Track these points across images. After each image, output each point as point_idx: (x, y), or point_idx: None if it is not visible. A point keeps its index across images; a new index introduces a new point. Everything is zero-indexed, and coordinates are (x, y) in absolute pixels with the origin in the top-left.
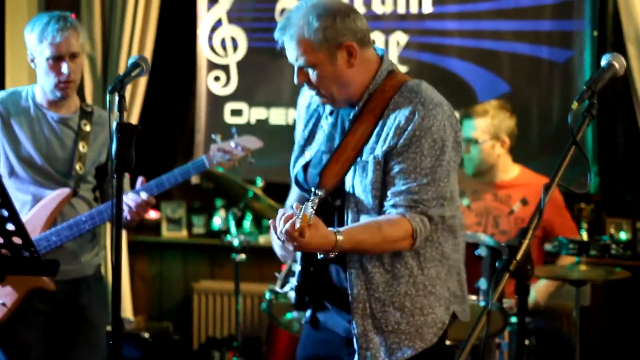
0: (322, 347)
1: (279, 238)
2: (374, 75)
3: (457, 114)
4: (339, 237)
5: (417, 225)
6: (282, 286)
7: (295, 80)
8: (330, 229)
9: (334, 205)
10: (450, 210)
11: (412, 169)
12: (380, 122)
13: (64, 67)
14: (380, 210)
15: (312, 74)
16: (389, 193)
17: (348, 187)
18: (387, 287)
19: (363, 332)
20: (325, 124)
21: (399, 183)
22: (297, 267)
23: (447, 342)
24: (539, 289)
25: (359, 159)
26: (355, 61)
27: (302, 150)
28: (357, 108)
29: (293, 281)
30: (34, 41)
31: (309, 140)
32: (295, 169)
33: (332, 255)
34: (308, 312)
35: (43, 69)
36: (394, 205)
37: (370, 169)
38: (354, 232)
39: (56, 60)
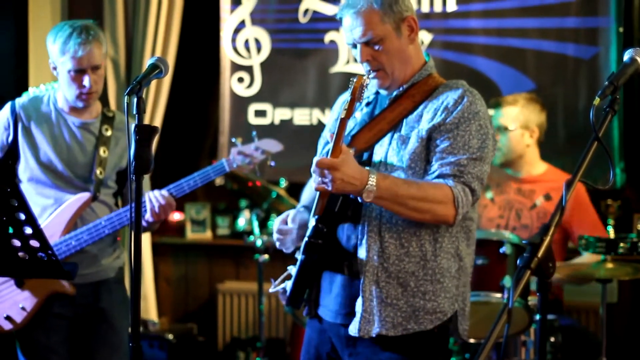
0: (324, 345)
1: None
2: (422, 67)
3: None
4: (372, 175)
5: (458, 193)
6: (274, 287)
7: (359, 58)
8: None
9: None
10: (471, 210)
11: (462, 145)
12: (422, 105)
13: (86, 80)
14: None
15: (378, 50)
16: (435, 164)
17: (379, 158)
18: (397, 260)
19: (369, 297)
20: (360, 114)
21: (448, 156)
22: (311, 225)
23: (472, 340)
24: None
25: (397, 134)
26: (415, 37)
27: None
28: (399, 90)
29: (292, 270)
30: (56, 52)
31: None
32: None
33: (367, 200)
34: (305, 309)
35: (65, 79)
36: (439, 175)
37: (412, 142)
38: (387, 174)
39: (78, 72)
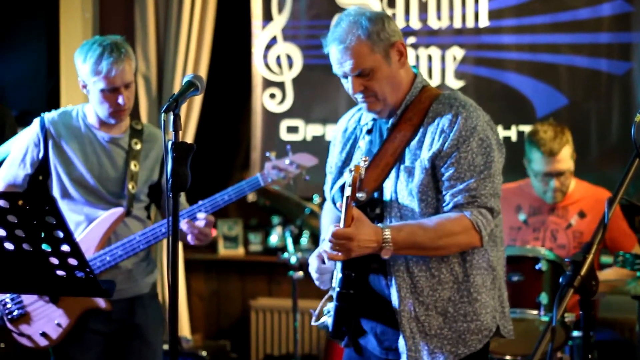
0: None
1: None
2: (411, 86)
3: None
4: (386, 231)
5: (475, 218)
6: (317, 320)
7: (351, 90)
8: (379, 224)
9: (372, 215)
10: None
11: (467, 168)
12: (421, 130)
13: (120, 99)
14: (426, 215)
15: (369, 80)
16: (447, 196)
17: (389, 194)
18: (431, 291)
19: (410, 335)
20: (363, 143)
21: (457, 183)
22: (338, 275)
23: (508, 358)
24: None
25: (402, 165)
26: (405, 60)
27: (340, 173)
28: (395, 117)
29: (330, 306)
30: (87, 72)
31: (346, 161)
32: (333, 191)
33: (385, 257)
34: (345, 339)
35: (97, 98)
36: (453, 207)
37: (417, 173)
38: (401, 225)
39: (112, 92)
